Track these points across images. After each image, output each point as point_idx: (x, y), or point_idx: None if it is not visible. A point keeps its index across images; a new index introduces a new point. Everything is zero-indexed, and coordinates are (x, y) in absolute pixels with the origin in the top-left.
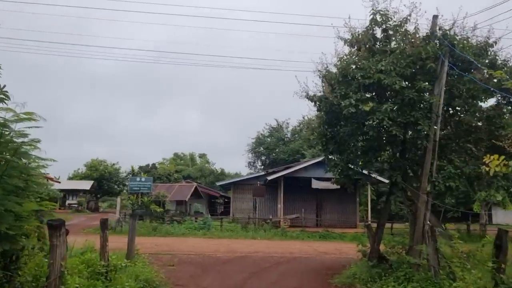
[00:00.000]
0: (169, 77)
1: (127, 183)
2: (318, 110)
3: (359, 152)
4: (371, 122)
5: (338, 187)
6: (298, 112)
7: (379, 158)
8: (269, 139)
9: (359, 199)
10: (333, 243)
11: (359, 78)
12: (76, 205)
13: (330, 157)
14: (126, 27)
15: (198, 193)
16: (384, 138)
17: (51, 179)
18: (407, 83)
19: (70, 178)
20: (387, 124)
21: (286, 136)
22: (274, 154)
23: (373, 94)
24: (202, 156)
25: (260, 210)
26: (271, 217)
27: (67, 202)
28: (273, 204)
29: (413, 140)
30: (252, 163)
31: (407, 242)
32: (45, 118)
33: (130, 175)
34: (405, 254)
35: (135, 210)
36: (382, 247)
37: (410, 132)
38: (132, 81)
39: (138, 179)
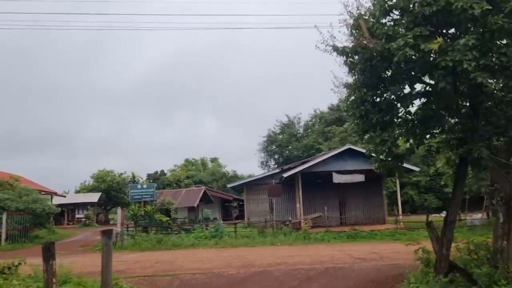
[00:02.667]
0: (180, 85)
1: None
2: (350, 70)
3: (415, 121)
4: (439, 70)
5: (362, 179)
6: (309, 106)
7: (445, 127)
8: (281, 136)
9: (385, 191)
10: (366, 245)
11: (416, 6)
12: (84, 219)
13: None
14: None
15: (208, 198)
16: (458, 94)
17: (55, 193)
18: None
19: (77, 191)
20: (469, 68)
21: (298, 131)
22: (287, 152)
23: (435, 29)
24: (214, 160)
25: (277, 211)
26: (290, 218)
27: (76, 216)
28: (291, 204)
29: (505, 93)
30: (265, 163)
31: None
32: None
33: (131, 182)
34: (487, 261)
35: (138, 221)
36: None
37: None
38: (143, 94)
39: (139, 186)
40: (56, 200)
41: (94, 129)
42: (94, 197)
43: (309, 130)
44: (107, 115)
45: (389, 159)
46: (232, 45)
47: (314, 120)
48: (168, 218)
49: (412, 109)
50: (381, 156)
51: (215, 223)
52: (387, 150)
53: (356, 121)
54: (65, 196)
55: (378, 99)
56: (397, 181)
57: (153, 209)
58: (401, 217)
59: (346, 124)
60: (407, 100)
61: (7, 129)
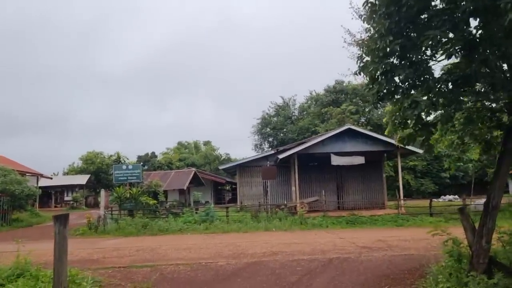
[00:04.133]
0: (176, 70)
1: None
2: (372, 14)
3: (451, 80)
4: None
5: (362, 162)
6: (305, 90)
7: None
8: (275, 119)
9: (385, 175)
10: (367, 231)
11: None
12: (71, 202)
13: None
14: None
15: (199, 180)
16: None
17: (41, 175)
18: None
19: (65, 174)
20: None
21: (293, 114)
22: (282, 134)
23: None
24: (207, 143)
25: (272, 195)
26: (285, 202)
27: (65, 198)
28: (287, 187)
29: None
30: (258, 145)
31: None
32: None
33: (116, 163)
34: None
35: (123, 204)
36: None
37: None
38: (138, 78)
39: (124, 167)
40: (43, 182)
41: (88, 113)
42: (83, 179)
43: (304, 112)
44: (101, 99)
45: (417, 128)
46: (229, 29)
47: (309, 102)
48: (155, 201)
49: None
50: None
51: (205, 206)
52: (415, 116)
53: (377, 81)
54: (51, 178)
55: (407, 50)
56: (399, 164)
57: (139, 191)
58: (402, 201)
59: (343, 105)
60: (447, 49)
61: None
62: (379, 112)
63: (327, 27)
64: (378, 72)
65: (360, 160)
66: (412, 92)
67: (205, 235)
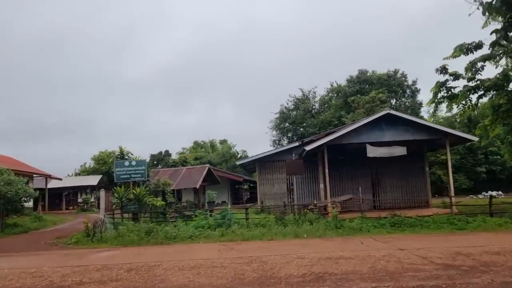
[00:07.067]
0: (197, 72)
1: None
2: None
3: None
4: None
5: (404, 153)
6: (325, 80)
7: None
8: (294, 113)
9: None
10: (429, 238)
11: None
12: (81, 204)
13: None
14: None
15: (213, 178)
16: None
17: (49, 176)
18: None
19: (77, 174)
20: None
21: (314, 107)
22: (301, 129)
23: None
24: (223, 142)
25: (297, 193)
26: (315, 201)
27: (78, 200)
28: (314, 184)
29: None
30: (277, 141)
31: None
32: None
33: (118, 158)
34: None
35: (126, 206)
36: None
37: None
38: (160, 83)
39: (127, 163)
40: (55, 184)
41: (111, 116)
42: (94, 180)
43: (325, 105)
44: (124, 102)
45: None
46: (250, 31)
47: (331, 94)
48: (163, 203)
49: None
50: None
51: (221, 208)
52: None
53: None
54: (61, 179)
55: None
56: (448, 155)
57: (144, 191)
58: (453, 199)
59: (372, 93)
60: None
61: (19, 115)
62: (407, 103)
63: (347, 24)
64: None
65: (401, 150)
66: None
67: (221, 244)
